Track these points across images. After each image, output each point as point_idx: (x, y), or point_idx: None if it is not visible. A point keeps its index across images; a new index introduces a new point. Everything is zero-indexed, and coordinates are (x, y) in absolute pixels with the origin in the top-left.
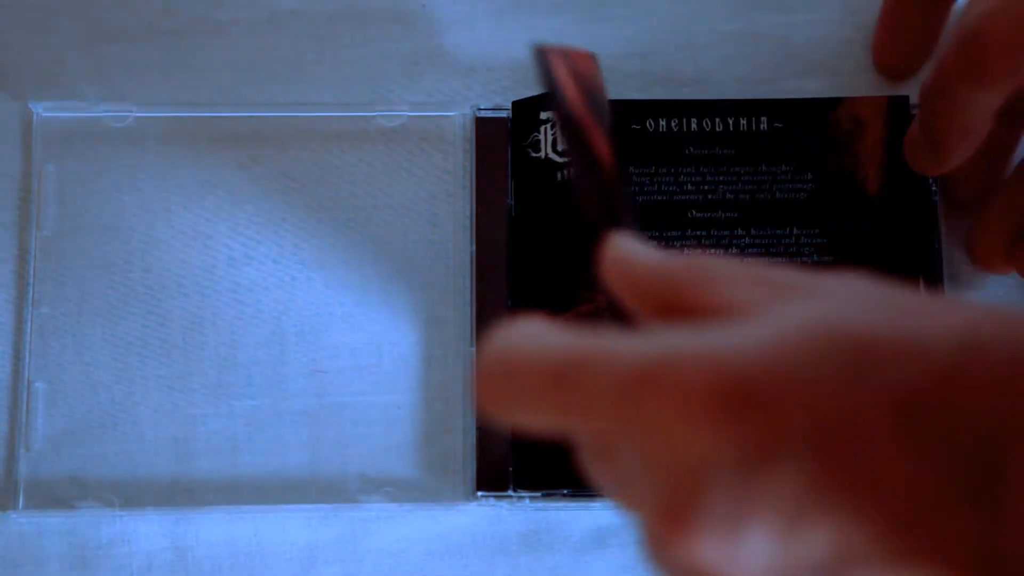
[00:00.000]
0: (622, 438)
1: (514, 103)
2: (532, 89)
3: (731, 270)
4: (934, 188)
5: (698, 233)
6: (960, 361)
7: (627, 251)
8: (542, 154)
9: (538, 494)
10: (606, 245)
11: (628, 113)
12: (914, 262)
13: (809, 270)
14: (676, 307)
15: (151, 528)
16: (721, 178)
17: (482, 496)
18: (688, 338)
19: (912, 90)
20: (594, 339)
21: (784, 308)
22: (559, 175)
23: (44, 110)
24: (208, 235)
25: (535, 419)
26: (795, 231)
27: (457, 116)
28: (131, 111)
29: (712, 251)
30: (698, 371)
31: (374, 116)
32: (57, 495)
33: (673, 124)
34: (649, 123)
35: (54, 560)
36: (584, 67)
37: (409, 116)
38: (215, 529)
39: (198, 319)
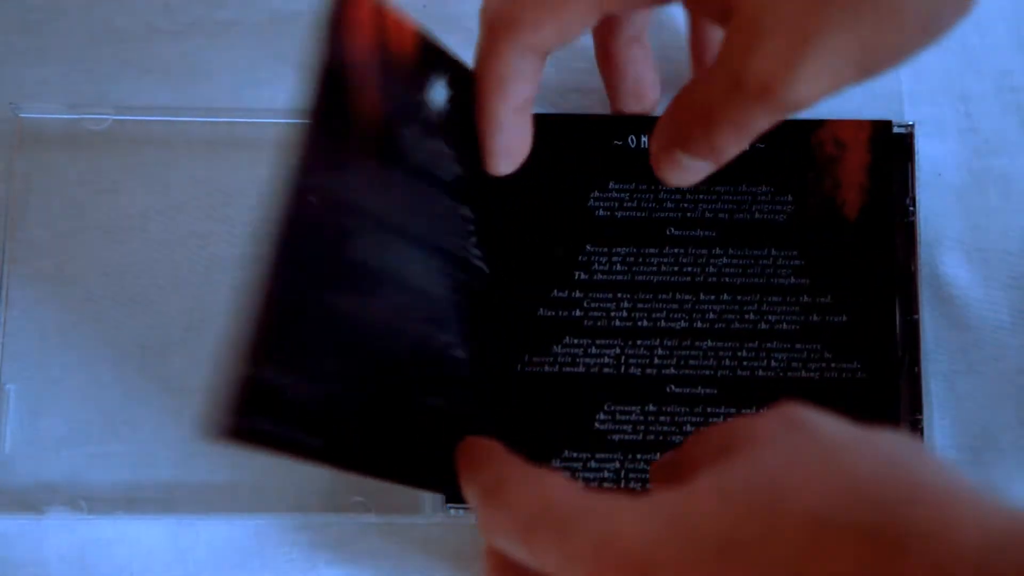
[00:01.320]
0: None
1: None
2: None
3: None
4: (911, 209)
5: (675, 251)
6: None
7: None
8: None
9: None
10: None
11: (608, 129)
12: (890, 286)
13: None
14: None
15: (152, 528)
16: (700, 196)
17: (451, 508)
18: (621, 517)
19: (877, 112)
20: (569, 499)
21: (674, 495)
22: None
23: (24, 112)
24: (200, 235)
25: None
26: (773, 252)
27: None
28: (109, 114)
29: (688, 271)
30: (611, 560)
31: None
32: (27, 500)
33: None
34: (631, 139)
35: (54, 560)
36: (398, 36)
37: None
38: (216, 529)
39: (189, 319)
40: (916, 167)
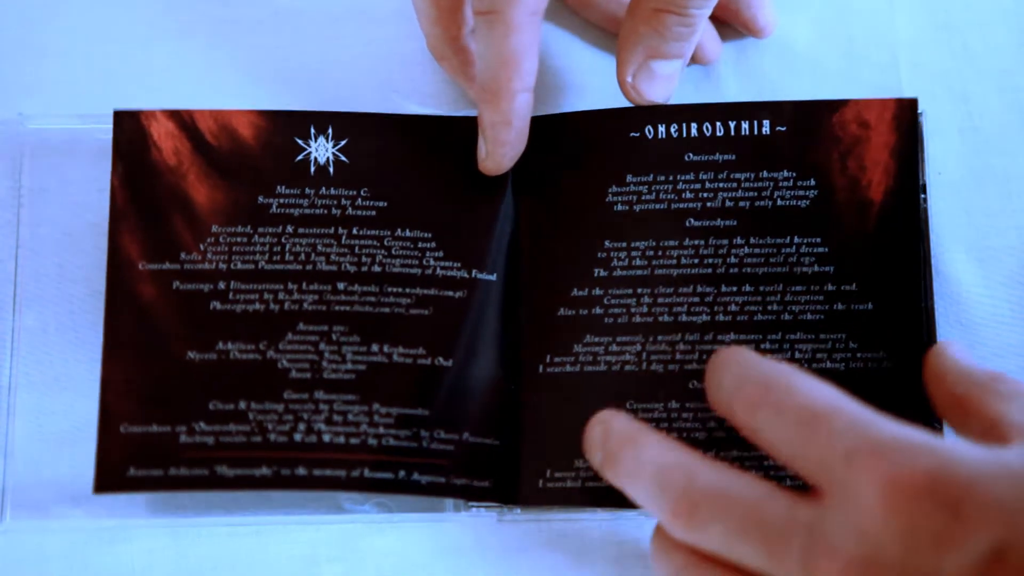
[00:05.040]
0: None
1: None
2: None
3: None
4: (923, 196)
5: (695, 243)
6: None
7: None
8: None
9: (528, 506)
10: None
11: (626, 120)
12: (916, 271)
13: None
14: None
15: (153, 527)
16: (721, 185)
17: (473, 507)
18: (933, 441)
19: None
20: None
21: None
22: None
23: (31, 120)
24: None
25: (770, 437)
26: (796, 239)
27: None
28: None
29: (709, 263)
30: (923, 466)
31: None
32: (43, 503)
33: (672, 130)
34: (648, 130)
35: (55, 558)
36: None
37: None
38: (217, 528)
39: None
40: (926, 155)
